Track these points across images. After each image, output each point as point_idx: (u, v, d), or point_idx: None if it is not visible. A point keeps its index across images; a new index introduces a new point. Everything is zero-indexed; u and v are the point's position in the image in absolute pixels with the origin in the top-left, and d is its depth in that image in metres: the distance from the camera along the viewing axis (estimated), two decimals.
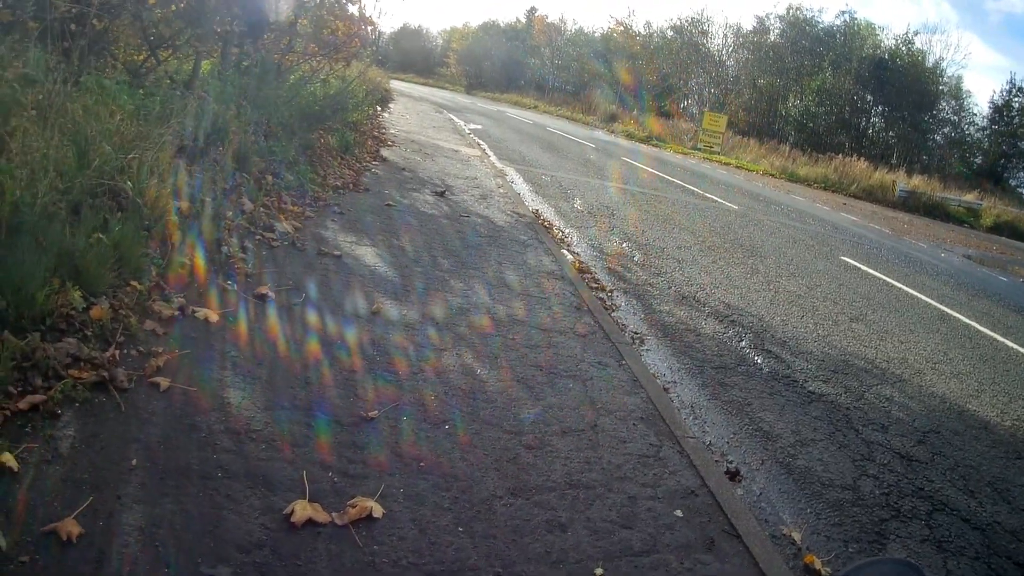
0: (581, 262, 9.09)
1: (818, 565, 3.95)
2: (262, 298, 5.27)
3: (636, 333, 6.95)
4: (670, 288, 8.76)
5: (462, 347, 5.34)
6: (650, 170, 22.75)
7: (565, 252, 9.32)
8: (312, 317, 5.22)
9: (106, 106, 5.53)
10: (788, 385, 6.41)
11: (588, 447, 4.31)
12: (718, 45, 61.22)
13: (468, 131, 24.66)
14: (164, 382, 3.78)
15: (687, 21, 63.50)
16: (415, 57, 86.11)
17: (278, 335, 4.79)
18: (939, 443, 5.91)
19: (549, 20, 79.94)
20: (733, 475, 4.72)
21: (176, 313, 4.56)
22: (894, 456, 5.51)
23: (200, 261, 5.46)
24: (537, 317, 6.36)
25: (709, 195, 19.24)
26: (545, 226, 10.61)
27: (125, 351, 3.96)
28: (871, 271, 12.70)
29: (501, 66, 77.17)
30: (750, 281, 9.93)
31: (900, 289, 11.74)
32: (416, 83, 63.98)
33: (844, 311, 9.39)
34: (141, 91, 6.74)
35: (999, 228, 31.39)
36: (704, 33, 62.09)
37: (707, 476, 4.31)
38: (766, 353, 7.09)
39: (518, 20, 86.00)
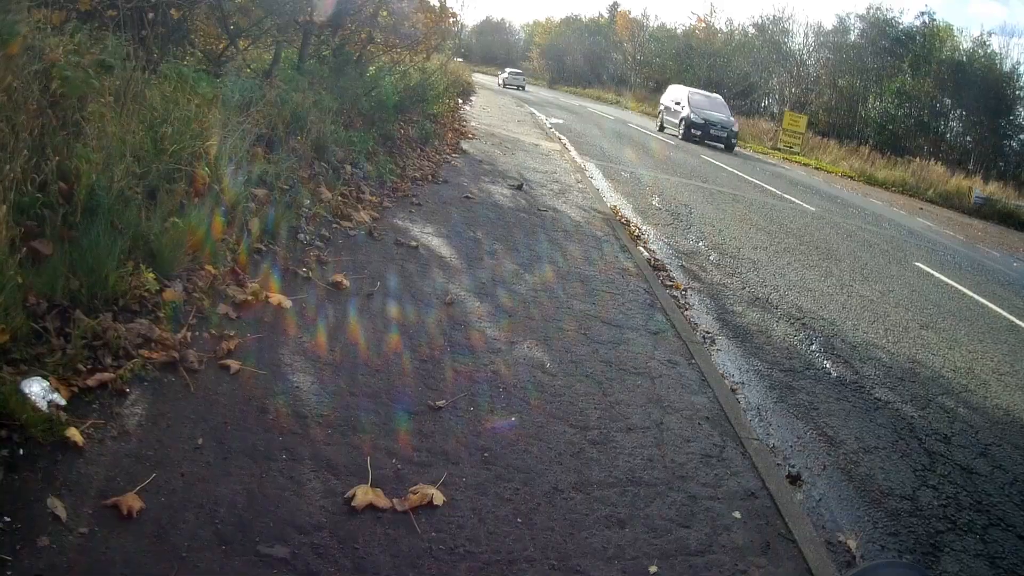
0: (656, 259, 8.99)
1: None
2: (336, 286, 5.31)
3: (707, 332, 6.84)
4: (744, 289, 8.59)
5: (533, 340, 5.31)
6: (729, 169, 22.36)
7: (641, 249, 9.21)
8: (385, 306, 5.25)
9: (184, 93, 5.62)
10: (855, 391, 6.24)
11: (652, 444, 4.24)
12: (799, 44, 60.23)
13: (549, 125, 24.68)
14: (234, 365, 3.82)
15: (769, 19, 62.71)
16: (497, 50, 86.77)
17: (350, 323, 4.82)
18: (1000, 456, 5.68)
19: (631, 15, 79.67)
20: (794, 479, 4.62)
21: (249, 298, 4.60)
22: (954, 467, 5.32)
23: (276, 248, 5.53)
24: (610, 313, 6.30)
25: (787, 196, 18.81)
26: (622, 222, 10.51)
27: (197, 333, 4.02)
28: (943, 278, 12.28)
29: (583, 61, 77.21)
30: (824, 284, 9.68)
31: (971, 297, 11.33)
32: (498, 76, 64.12)
33: (915, 318, 9.10)
34: (220, 79, 6.84)
35: None
36: (785, 31, 61.16)
37: (768, 479, 4.22)
38: (835, 358, 6.91)
39: (600, 15, 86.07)
